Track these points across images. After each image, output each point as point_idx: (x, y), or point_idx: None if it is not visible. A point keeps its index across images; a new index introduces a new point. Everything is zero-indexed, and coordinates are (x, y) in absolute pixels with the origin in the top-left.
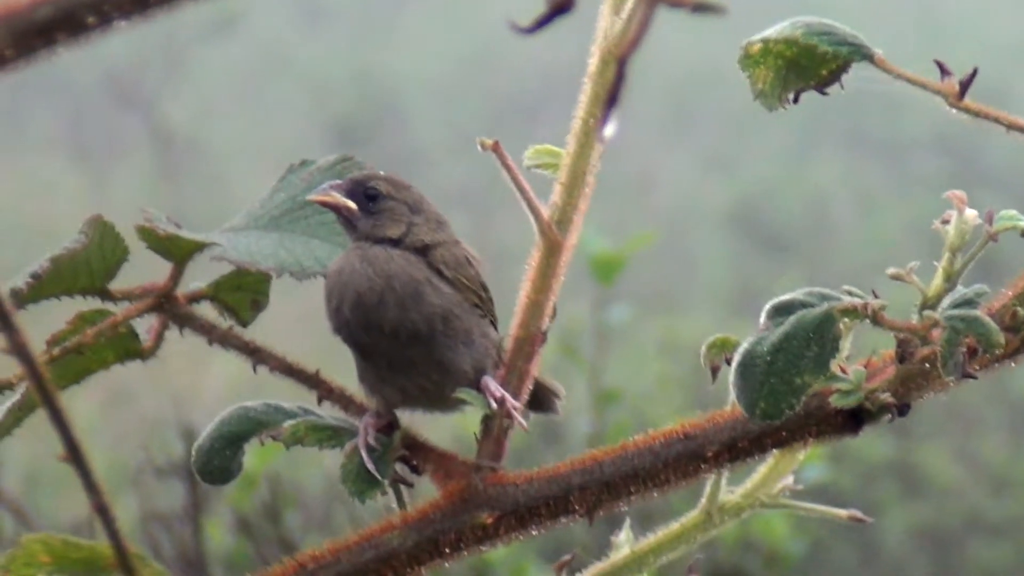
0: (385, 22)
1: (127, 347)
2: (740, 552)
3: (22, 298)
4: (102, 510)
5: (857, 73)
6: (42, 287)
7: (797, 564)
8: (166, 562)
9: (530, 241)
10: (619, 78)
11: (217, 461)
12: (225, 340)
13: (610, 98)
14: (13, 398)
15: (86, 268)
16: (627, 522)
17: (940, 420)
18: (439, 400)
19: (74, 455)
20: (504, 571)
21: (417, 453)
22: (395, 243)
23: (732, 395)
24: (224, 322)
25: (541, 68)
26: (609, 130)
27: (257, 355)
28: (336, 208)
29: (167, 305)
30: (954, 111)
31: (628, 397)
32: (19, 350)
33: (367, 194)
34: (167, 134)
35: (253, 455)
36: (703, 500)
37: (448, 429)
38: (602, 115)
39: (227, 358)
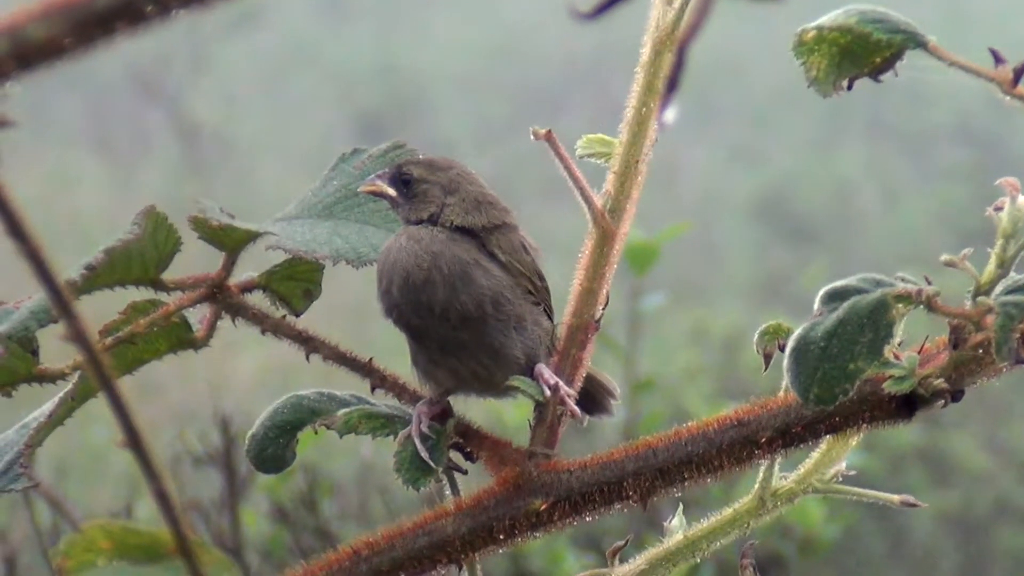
0: (410, 15)
1: (180, 337)
2: (776, 537)
3: (77, 289)
4: (162, 496)
5: (910, 61)
6: (96, 278)
7: (831, 549)
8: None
9: (557, 231)
10: (678, 65)
11: (271, 450)
12: (278, 329)
13: (670, 85)
14: (65, 388)
15: (139, 259)
16: (679, 508)
17: (968, 407)
18: (491, 385)
19: (134, 442)
20: (540, 558)
21: (471, 440)
22: (434, 223)
23: (785, 381)
24: (276, 311)
25: (563, 59)
26: (669, 116)
27: (310, 344)
28: (380, 195)
29: (219, 295)
30: (981, 101)
31: (660, 385)
32: (79, 339)
33: (402, 179)
34: (192, 128)
35: None
36: (756, 486)
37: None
38: (662, 102)
39: (256, 347)
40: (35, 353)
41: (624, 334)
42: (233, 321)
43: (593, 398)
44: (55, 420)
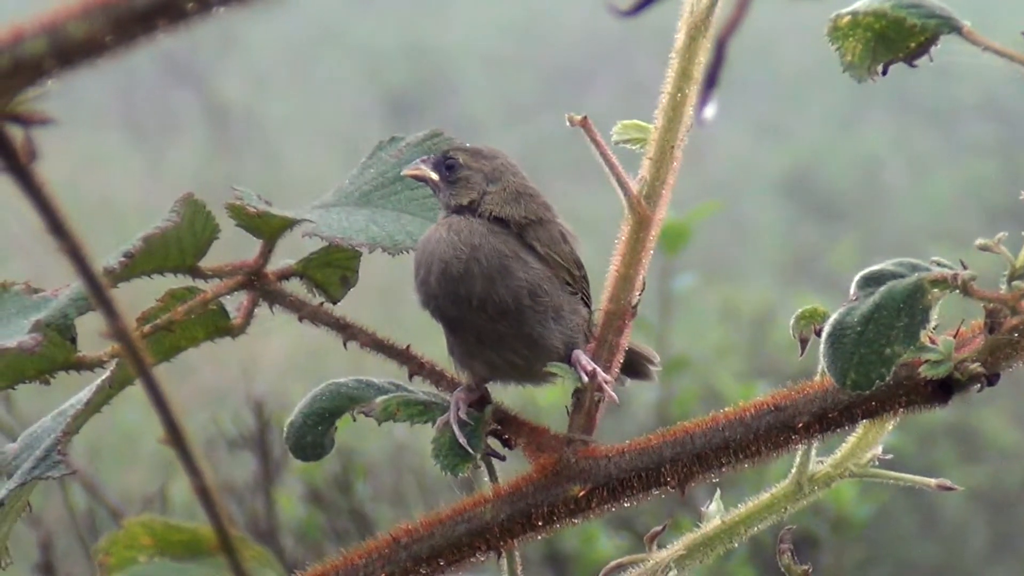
0: None
1: (217, 324)
2: (809, 516)
3: (115, 276)
4: (204, 492)
5: (945, 46)
6: (134, 266)
7: (862, 528)
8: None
9: (584, 210)
10: (718, 59)
11: (310, 437)
12: (316, 317)
13: (709, 81)
14: (103, 375)
15: (177, 246)
16: (717, 492)
17: (999, 384)
18: (529, 374)
19: (175, 437)
20: (574, 539)
21: (508, 427)
22: (473, 212)
23: (821, 365)
24: (314, 298)
25: (590, 38)
26: (709, 111)
27: (348, 331)
28: (423, 179)
29: (257, 282)
30: (1006, 77)
31: (691, 363)
32: (117, 331)
33: (447, 164)
34: (221, 109)
35: None
36: (793, 471)
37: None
38: (701, 97)
39: (288, 328)
40: (73, 340)
41: (656, 313)
42: (271, 308)
43: (634, 367)
44: (92, 407)
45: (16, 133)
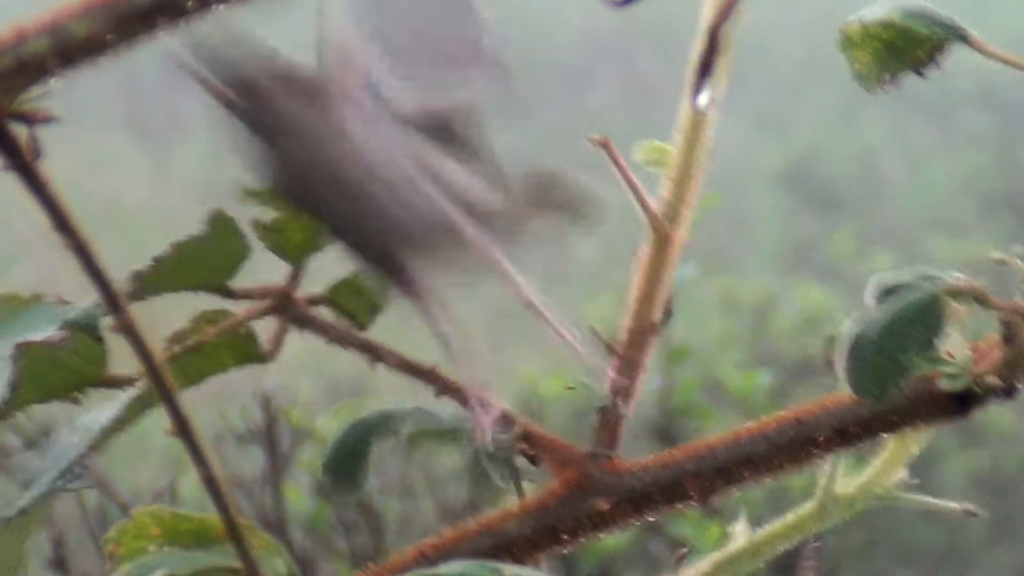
0: None
1: (246, 350)
2: (803, 499)
3: (144, 285)
4: (210, 481)
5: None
6: (165, 277)
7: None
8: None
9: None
10: (711, 48)
11: (343, 471)
12: (344, 340)
13: (702, 69)
14: (131, 393)
15: (207, 262)
16: (743, 512)
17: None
18: None
19: (182, 427)
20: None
21: (532, 443)
22: None
23: (839, 376)
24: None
25: (589, 35)
26: (702, 99)
27: (376, 353)
28: None
29: (287, 307)
30: (1003, 68)
31: (693, 354)
32: (124, 323)
33: None
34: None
35: (330, 420)
36: (818, 491)
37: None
38: (695, 85)
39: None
40: (103, 354)
41: None
42: (300, 332)
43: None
44: (119, 424)
45: (20, 132)
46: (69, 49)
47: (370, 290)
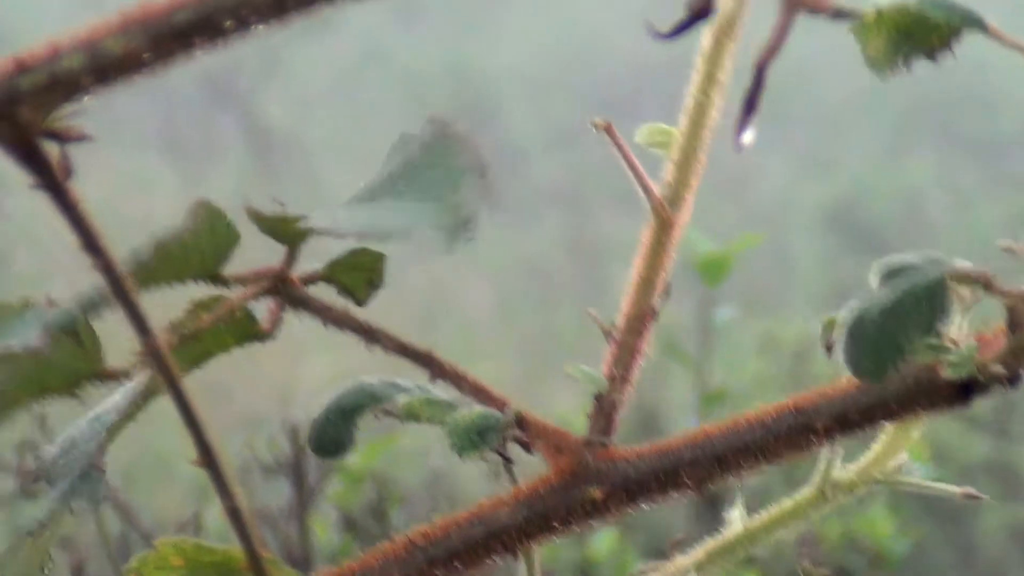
0: (482, 17)
1: (246, 330)
2: (845, 551)
3: (137, 276)
4: (235, 513)
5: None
6: (153, 272)
7: (899, 564)
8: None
9: (628, 237)
10: (757, 84)
11: (331, 433)
12: (341, 321)
13: (748, 106)
14: (128, 385)
15: (197, 253)
16: (739, 498)
17: None
18: None
19: (207, 458)
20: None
21: (527, 428)
22: None
23: (839, 359)
24: (340, 303)
25: (636, 64)
26: (747, 137)
27: (372, 335)
28: None
29: (282, 287)
30: None
31: (730, 396)
32: (151, 348)
33: None
34: (263, 131)
35: (359, 454)
36: (817, 477)
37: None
38: (740, 122)
39: (324, 351)
40: (96, 349)
41: (695, 345)
42: (295, 313)
43: None
44: (126, 417)
45: (52, 150)
46: (104, 67)
47: (368, 266)
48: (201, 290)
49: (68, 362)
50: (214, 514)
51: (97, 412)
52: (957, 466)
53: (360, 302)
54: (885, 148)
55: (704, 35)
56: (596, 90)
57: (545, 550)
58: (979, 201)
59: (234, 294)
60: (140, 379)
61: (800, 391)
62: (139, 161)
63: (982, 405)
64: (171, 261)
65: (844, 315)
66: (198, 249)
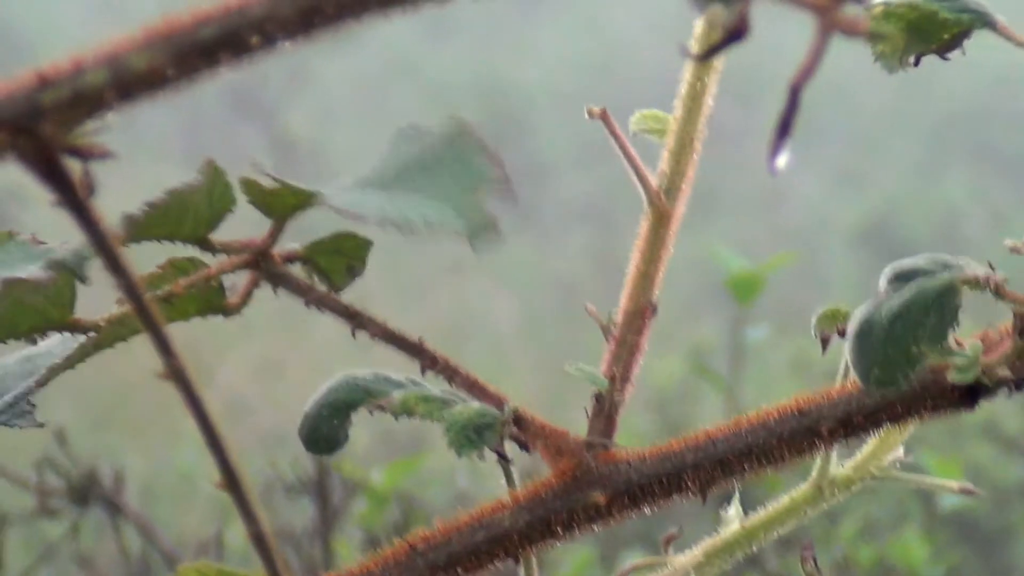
0: (510, 32)
1: (212, 301)
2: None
3: (130, 231)
4: (259, 538)
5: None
6: (151, 224)
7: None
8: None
9: None
10: (791, 107)
11: (324, 429)
12: (323, 303)
13: (782, 129)
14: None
15: (193, 213)
16: (736, 497)
17: None
18: None
19: (231, 482)
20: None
21: (525, 427)
22: None
23: (842, 364)
24: (320, 285)
25: (668, 79)
26: (782, 160)
27: (356, 320)
28: None
29: (263, 263)
30: None
31: None
32: (174, 368)
33: None
34: (288, 144)
35: (383, 473)
36: (813, 473)
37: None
38: (774, 145)
39: (347, 368)
40: (84, 282)
41: (726, 365)
42: (274, 291)
43: None
44: (69, 362)
45: (74, 166)
46: (127, 82)
47: (350, 252)
48: (178, 250)
49: (41, 306)
50: (236, 532)
51: (30, 352)
52: (992, 490)
53: (337, 288)
54: (919, 165)
55: (697, 19)
56: (626, 109)
57: None
58: (1015, 217)
59: (214, 261)
60: (94, 332)
61: None
62: (162, 173)
63: (1016, 428)
64: (168, 217)
65: (852, 320)
66: (194, 209)
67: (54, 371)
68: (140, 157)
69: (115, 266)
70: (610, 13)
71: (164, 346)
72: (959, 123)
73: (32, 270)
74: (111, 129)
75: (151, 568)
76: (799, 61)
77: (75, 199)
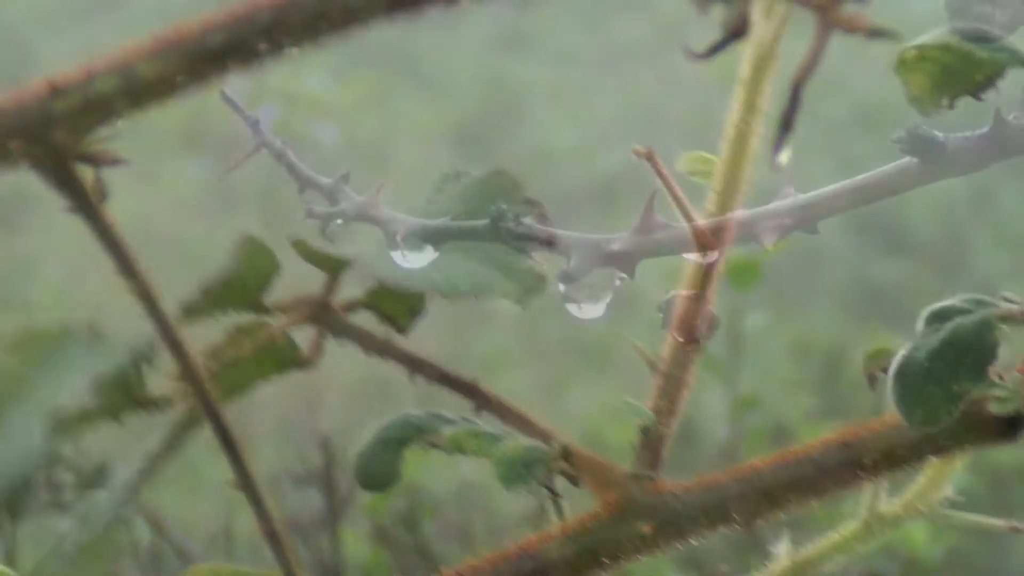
0: (513, 26)
1: (288, 357)
2: (879, 558)
3: (189, 310)
4: (273, 536)
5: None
6: (197, 307)
7: (934, 569)
8: (303, 570)
9: None
10: (793, 104)
11: (377, 466)
12: (384, 351)
13: (784, 124)
14: (172, 415)
15: (240, 287)
16: (785, 533)
17: None
18: None
19: (244, 479)
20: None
21: (573, 461)
22: None
23: (889, 402)
24: (381, 330)
25: (666, 74)
26: (783, 156)
27: (415, 365)
28: None
29: (323, 315)
30: None
31: (761, 403)
32: (188, 371)
33: None
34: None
35: None
36: (863, 510)
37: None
38: (777, 140)
39: (352, 363)
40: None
41: (724, 350)
42: (337, 341)
43: None
44: (167, 449)
45: (86, 172)
46: (138, 90)
47: (409, 293)
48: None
49: (111, 394)
50: (244, 523)
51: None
52: (990, 472)
53: (402, 330)
54: None
55: (743, 62)
56: (628, 102)
57: None
58: (1010, 203)
59: (275, 321)
60: (179, 409)
61: (831, 396)
62: (172, 171)
63: None
64: (216, 297)
65: (893, 361)
66: (241, 283)
67: (157, 460)
68: (153, 159)
69: (125, 267)
70: (613, 9)
71: (178, 349)
72: (955, 109)
73: (79, 385)
74: (123, 129)
75: (161, 558)
76: (800, 60)
77: (88, 205)
